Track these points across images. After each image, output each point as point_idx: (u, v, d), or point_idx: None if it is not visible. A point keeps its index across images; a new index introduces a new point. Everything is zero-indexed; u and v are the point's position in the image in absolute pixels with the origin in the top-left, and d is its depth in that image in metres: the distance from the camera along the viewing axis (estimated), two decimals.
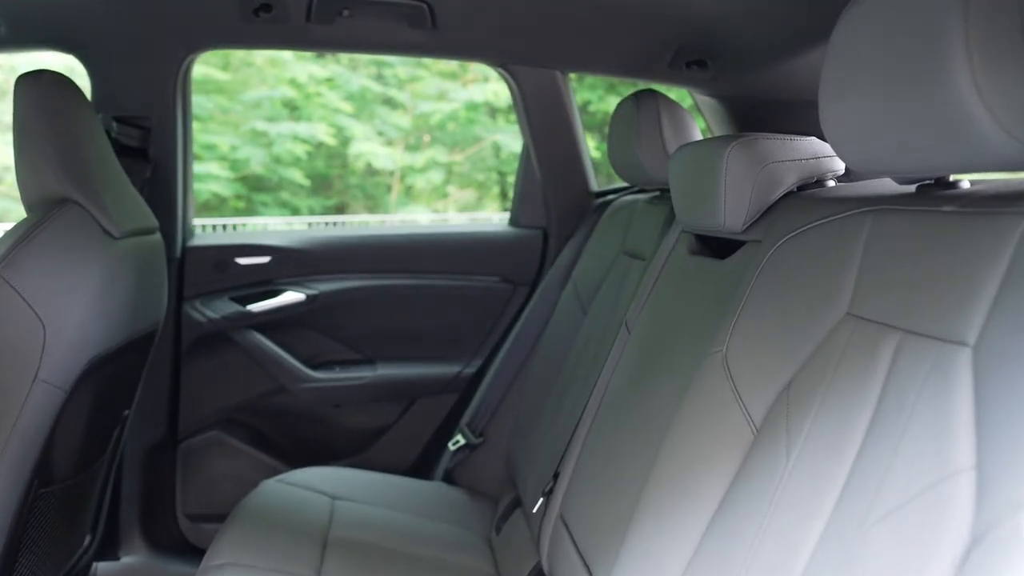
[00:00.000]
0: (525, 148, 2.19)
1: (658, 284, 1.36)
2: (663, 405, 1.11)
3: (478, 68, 9.51)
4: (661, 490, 1.01)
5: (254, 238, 2.08)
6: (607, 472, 1.24)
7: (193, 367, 2.03)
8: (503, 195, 9.93)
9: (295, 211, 9.37)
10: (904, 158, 0.77)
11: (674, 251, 1.36)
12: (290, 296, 2.06)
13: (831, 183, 1.13)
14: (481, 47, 1.92)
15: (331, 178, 9.89)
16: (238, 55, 9.05)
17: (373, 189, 9.98)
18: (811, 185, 1.12)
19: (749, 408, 0.94)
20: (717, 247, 1.26)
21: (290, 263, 2.07)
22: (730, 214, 1.11)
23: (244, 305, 2.03)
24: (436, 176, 9.58)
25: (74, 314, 1.27)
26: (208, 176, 8.67)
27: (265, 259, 2.05)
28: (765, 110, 1.82)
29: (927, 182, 0.84)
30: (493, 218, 9.55)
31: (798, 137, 1.13)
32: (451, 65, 9.26)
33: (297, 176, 9.06)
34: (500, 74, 2.04)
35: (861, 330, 0.81)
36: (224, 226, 8.48)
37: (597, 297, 1.73)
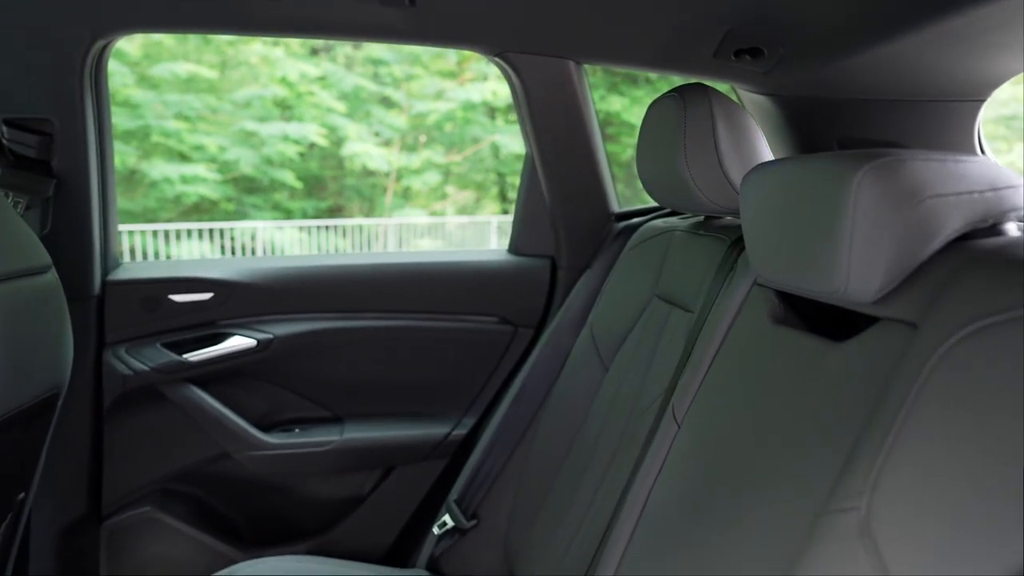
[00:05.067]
0: (528, 159, 1.79)
1: (720, 360, 0.96)
2: (746, 570, 0.73)
3: (476, 66, 9.21)
4: None
5: (191, 269, 1.69)
6: None
7: (118, 430, 1.67)
8: (502, 196, 9.69)
9: (288, 214, 9.10)
10: None
11: (744, 313, 0.96)
12: (237, 341, 1.69)
13: (1013, 228, 0.73)
14: (472, 31, 1.51)
15: (325, 180, 9.67)
16: (230, 53, 8.79)
17: (369, 191, 9.76)
18: (983, 232, 0.72)
19: None
20: (816, 316, 0.86)
21: (237, 301, 1.69)
22: (857, 275, 0.71)
23: (180, 353, 1.66)
24: (433, 177, 9.40)
25: None
26: (196, 178, 8.42)
27: (206, 296, 1.67)
28: (833, 113, 1.44)
29: None
30: (492, 220, 9.29)
31: (963, 157, 0.72)
32: (449, 63, 8.98)
33: (289, 178, 8.84)
34: (497, 65, 1.64)
35: None
36: (211, 231, 8.22)
37: (623, 350, 1.36)
